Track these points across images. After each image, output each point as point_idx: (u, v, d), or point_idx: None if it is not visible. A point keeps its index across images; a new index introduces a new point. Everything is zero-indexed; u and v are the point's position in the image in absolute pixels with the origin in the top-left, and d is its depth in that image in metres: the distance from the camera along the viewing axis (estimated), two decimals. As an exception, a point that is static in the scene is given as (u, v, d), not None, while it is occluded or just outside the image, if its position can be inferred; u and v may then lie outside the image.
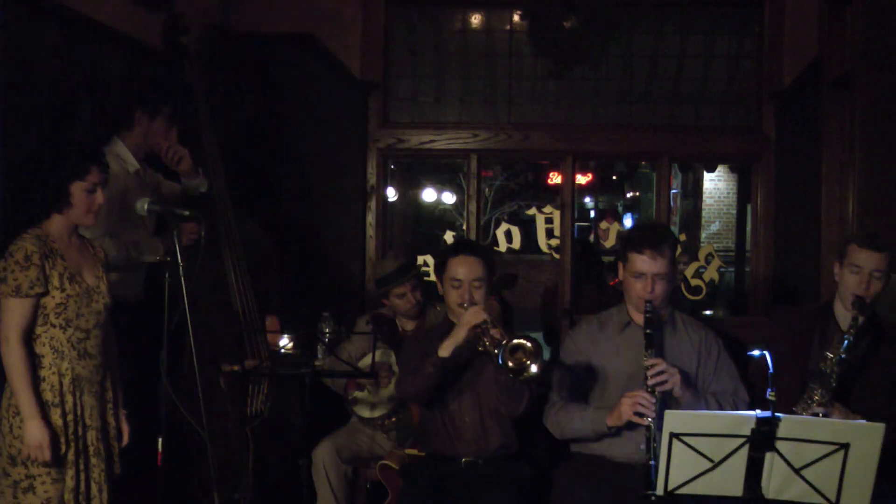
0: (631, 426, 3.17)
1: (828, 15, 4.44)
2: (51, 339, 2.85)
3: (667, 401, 3.15)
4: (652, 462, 2.93)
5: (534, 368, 2.97)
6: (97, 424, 2.95)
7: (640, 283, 3.26)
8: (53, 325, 2.86)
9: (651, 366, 3.10)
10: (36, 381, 2.82)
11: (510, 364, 2.98)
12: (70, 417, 2.88)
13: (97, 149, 3.03)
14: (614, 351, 3.39)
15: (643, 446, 3.04)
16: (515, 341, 3.00)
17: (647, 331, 3.18)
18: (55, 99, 3.52)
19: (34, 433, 2.77)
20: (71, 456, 2.87)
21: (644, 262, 3.25)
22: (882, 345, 3.28)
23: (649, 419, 3.02)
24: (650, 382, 3.08)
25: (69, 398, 2.87)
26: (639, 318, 3.32)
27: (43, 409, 2.81)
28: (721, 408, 3.23)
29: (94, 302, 2.95)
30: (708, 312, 6.49)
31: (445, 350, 3.18)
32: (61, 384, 2.86)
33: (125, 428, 3.10)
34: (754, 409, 2.56)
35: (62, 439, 2.85)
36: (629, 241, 3.36)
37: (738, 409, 3.22)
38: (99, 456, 2.95)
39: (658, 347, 3.25)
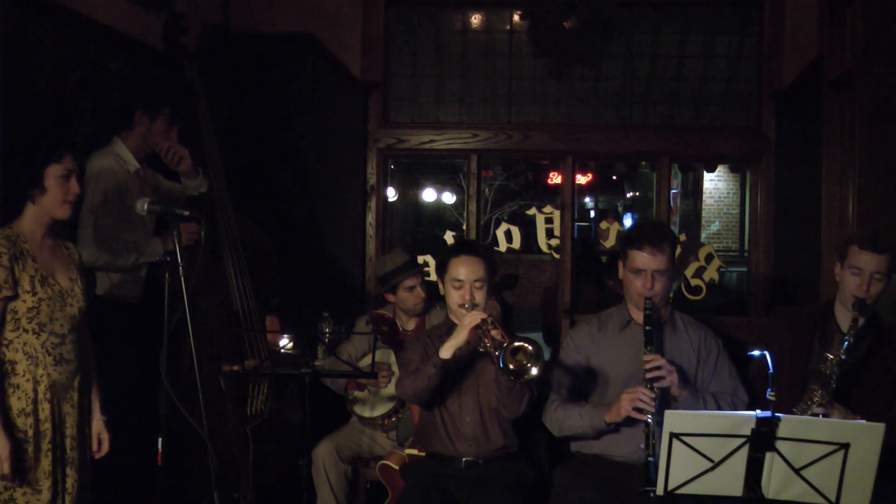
0: (630, 422, 3.18)
1: (828, 15, 4.44)
2: (24, 345, 2.76)
3: (666, 398, 3.16)
4: (651, 458, 2.95)
5: (534, 371, 2.97)
6: (73, 433, 2.88)
7: (640, 280, 3.27)
8: (26, 331, 2.76)
9: (649, 361, 3.11)
10: (2, 391, 2.71)
11: (511, 366, 2.97)
12: (47, 426, 2.79)
13: (72, 136, 2.97)
14: (614, 350, 3.39)
15: (643, 445, 3.05)
16: (516, 344, 2.99)
17: (647, 328, 3.19)
18: (55, 99, 3.52)
19: None
20: (48, 466, 2.78)
21: (643, 258, 3.26)
22: (882, 346, 3.28)
23: (648, 415, 3.03)
24: (647, 377, 3.09)
25: (46, 406, 2.78)
26: (639, 317, 3.32)
27: (6, 420, 2.70)
28: (720, 407, 3.23)
29: (69, 306, 2.87)
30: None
31: (446, 351, 3.18)
32: (36, 391, 2.77)
33: (105, 436, 3.04)
34: (754, 409, 2.56)
35: (30, 448, 2.75)
36: (628, 239, 3.38)
37: (736, 409, 3.24)
38: (73, 466, 2.87)
39: (658, 346, 3.25)
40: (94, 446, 3.03)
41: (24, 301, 2.75)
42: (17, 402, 2.75)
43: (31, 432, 2.76)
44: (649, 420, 3.03)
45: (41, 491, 2.78)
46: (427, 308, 4.19)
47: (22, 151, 2.81)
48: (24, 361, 2.76)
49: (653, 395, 3.05)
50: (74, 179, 2.83)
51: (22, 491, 2.75)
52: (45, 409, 2.79)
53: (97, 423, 3.04)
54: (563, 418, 3.32)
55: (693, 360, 3.36)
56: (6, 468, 2.67)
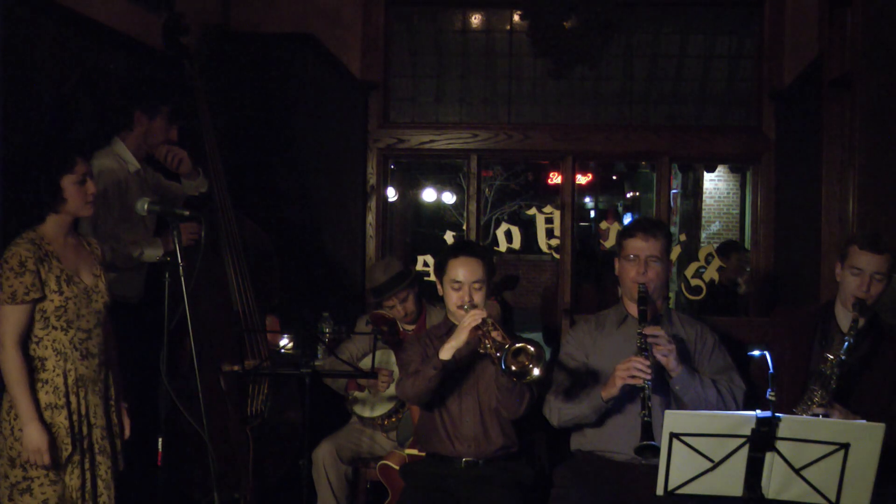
0: (629, 420, 3.18)
1: (828, 15, 4.43)
2: (53, 342, 2.86)
3: (662, 374, 3.16)
4: (647, 419, 2.96)
5: (536, 372, 2.97)
6: (101, 423, 2.97)
7: (634, 268, 3.29)
8: (55, 328, 2.86)
9: (650, 335, 3.12)
10: (33, 386, 2.82)
11: (513, 368, 2.97)
12: (75, 417, 2.89)
13: (78, 140, 3.03)
14: (613, 346, 3.39)
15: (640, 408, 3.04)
16: (518, 345, 2.99)
17: (641, 307, 3.21)
18: (55, 99, 3.52)
19: (33, 437, 2.78)
20: (76, 456, 2.88)
21: (636, 244, 3.31)
22: (883, 346, 3.28)
23: (644, 380, 3.03)
24: (647, 340, 3.10)
25: (73, 398, 2.89)
26: (635, 311, 3.33)
27: (41, 412, 2.81)
28: (717, 389, 3.23)
29: (94, 301, 2.96)
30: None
31: (446, 353, 3.18)
32: (66, 385, 2.87)
33: (126, 422, 3.14)
34: (754, 409, 2.56)
35: (67, 440, 2.86)
36: (623, 231, 3.46)
37: (734, 395, 3.26)
38: (104, 454, 2.97)
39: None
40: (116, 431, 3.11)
41: (52, 301, 2.85)
42: (46, 397, 2.85)
43: (66, 424, 2.86)
44: (645, 384, 3.02)
45: (63, 482, 2.87)
46: (422, 312, 4.19)
47: (35, 167, 2.89)
48: (52, 357, 2.87)
49: (647, 362, 3.06)
50: (90, 181, 2.94)
51: (39, 482, 2.83)
52: (72, 402, 2.89)
53: (120, 410, 3.13)
54: (562, 406, 3.34)
55: (689, 354, 3.36)
56: (46, 459, 2.79)
